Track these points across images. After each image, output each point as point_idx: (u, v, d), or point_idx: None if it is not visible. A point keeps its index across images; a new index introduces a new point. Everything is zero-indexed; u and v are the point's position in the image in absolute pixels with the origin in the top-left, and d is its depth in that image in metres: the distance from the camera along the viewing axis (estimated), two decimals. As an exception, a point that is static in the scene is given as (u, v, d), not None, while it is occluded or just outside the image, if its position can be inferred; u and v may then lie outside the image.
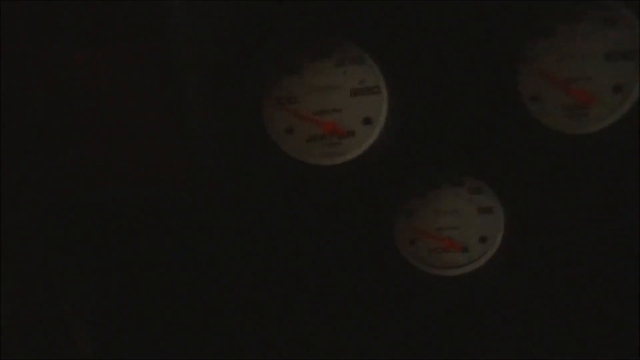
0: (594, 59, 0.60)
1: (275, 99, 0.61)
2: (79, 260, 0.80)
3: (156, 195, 0.77)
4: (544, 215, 0.65)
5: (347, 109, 0.62)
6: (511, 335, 0.69)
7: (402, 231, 0.66)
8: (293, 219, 0.63)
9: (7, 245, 0.75)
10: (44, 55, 0.71)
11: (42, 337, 0.77)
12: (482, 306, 0.68)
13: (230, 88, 0.60)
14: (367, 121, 0.62)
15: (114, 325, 0.82)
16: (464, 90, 0.61)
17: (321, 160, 0.63)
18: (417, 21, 0.59)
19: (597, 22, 0.59)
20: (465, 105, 0.61)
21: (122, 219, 0.77)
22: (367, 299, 0.66)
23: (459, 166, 0.64)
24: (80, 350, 0.80)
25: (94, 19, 0.71)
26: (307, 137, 0.63)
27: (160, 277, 0.81)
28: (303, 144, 0.63)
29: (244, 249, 0.65)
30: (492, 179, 0.64)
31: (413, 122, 0.62)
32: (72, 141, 0.74)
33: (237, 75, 0.59)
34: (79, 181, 0.75)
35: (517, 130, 0.61)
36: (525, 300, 0.68)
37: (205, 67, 0.59)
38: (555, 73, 0.60)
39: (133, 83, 0.70)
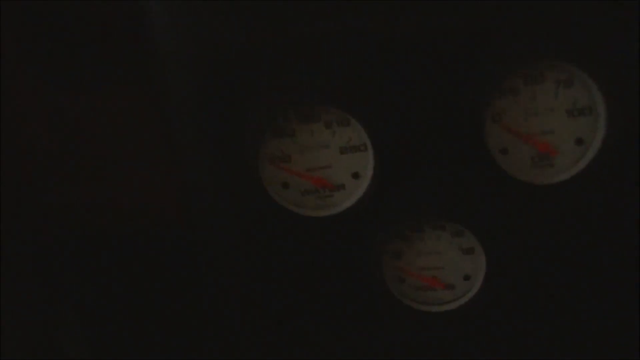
0: (556, 115, 0.67)
1: (271, 158, 0.69)
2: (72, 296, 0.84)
3: (148, 230, 0.82)
4: (521, 256, 0.72)
5: (337, 165, 0.70)
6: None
7: (391, 271, 0.74)
8: (289, 265, 0.72)
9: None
10: (41, 95, 0.77)
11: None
12: (468, 341, 0.75)
13: (229, 147, 0.68)
14: (356, 175, 0.70)
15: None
16: (440, 147, 0.68)
17: (316, 212, 0.71)
18: (394, 88, 0.67)
19: (557, 82, 0.67)
20: (442, 160, 0.69)
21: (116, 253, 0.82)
22: (360, 334, 0.74)
23: (439, 213, 0.71)
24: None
25: (89, 62, 0.77)
26: (302, 191, 0.71)
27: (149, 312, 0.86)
28: (298, 196, 0.71)
29: (239, 294, 0.73)
30: (470, 225, 0.72)
31: (397, 175, 0.70)
32: (67, 178, 0.80)
33: (235, 136, 0.68)
34: (72, 217, 0.81)
35: (489, 182, 0.69)
36: (510, 334, 0.75)
37: (206, 129, 0.68)
38: (521, 128, 0.67)
39: (128, 126, 0.76)
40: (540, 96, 0.67)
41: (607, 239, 0.70)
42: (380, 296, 0.74)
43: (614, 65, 0.66)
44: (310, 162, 0.70)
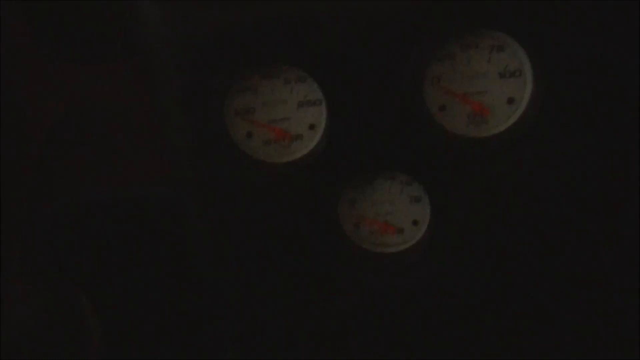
0: (489, 77, 0.78)
1: (236, 111, 0.81)
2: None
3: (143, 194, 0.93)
4: (462, 203, 0.83)
5: (295, 117, 0.82)
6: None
7: (347, 217, 0.85)
8: (253, 209, 0.83)
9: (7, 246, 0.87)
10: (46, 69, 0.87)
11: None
12: (416, 281, 0.86)
13: (198, 103, 0.80)
14: (312, 127, 0.82)
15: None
16: (386, 103, 0.80)
17: (276, 159, 0.83)
18: (346, 50, 0.78)
19: (490, 47, 0.77)
20: (389, 116, 0.80)
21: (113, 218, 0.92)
22: (318, 277, 0.86)
23: (389, 164, 0.83)
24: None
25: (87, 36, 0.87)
26: (264, 141, 0.83)
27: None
28: (261, 146, 0.83)
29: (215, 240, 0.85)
30: (418, 174, 0.83)
31: (349, 128, 0.81)
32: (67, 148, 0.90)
33: (203, 93, 0.80)
34: (72, 183, 0.90)
35: (430, 136, 0.80)
36: (453, 275, 0.86)
37: (177, 92, 0.80)
38: (457, 89, 0.78)
39: (121, 95, 0.87)
40: (474, 60, 0.78)
41: (539, 185, 0.81)
42: (337, 239, 0.85)
43: (540, 31, 0.76)
44: (271, 114, 0.82)
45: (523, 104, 0.78)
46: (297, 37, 0.79)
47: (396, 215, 0.86)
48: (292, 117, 0.82)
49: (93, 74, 0.88)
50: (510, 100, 0.79)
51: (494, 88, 0.78)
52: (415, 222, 0.86)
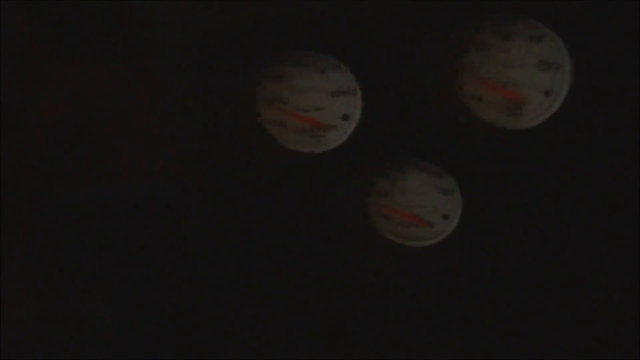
0: (526, 68, 0.78)
1: (268, 99, 0.81)
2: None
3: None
4: (496, 197, 0.83)
5: (328, 107, 0.81)
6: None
7: (376, 208, 0.85)
8: (286, 198, 0.83)
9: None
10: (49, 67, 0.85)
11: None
12: (445, 276, 0.86)
13: (227, 90, 0.80)
14: (345, 117, 0.82)
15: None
16: (421, 94, 0.79)
17: (309, 149, 0.83)
18: (381, 41, 0.78)
19: (527, 38, 0.77)
20: (423, 107, 0.80)
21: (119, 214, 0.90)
22: (346, 268, 0.85)
23: (421, 155, 0.82)
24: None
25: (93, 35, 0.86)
26: (297, 130, 0.82)
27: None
28: (293, 135, 0.82)
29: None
30: (450, 167, 0.82)
31: (383, 118, 0.81)
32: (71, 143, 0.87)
33: (233, 79, 0.79)
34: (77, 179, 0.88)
35: (465, 127, 0.80)
36: (484, 273, 0.86)
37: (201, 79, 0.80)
38: (493, 79, 0.78)
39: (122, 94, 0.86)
40: (512, 50, 0.77)
41: (572, 180, 0.81)
42: (364, 231, 0.85)
43: (580, 24, 0.76)
44: (305, 103, 0.81)
45: (560, 97, 0.78)
46: (331, 25, 0.79)
47: (427, 208, 0.85)
48: (325, 107, 0.82)
49: (94, 73, 0.87)
50: (547, 93, 0.78)
51: (530, 79, 0.78)
52: (445, 216, 0.85)
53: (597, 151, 0.82)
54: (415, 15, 0.78)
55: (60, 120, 0.87)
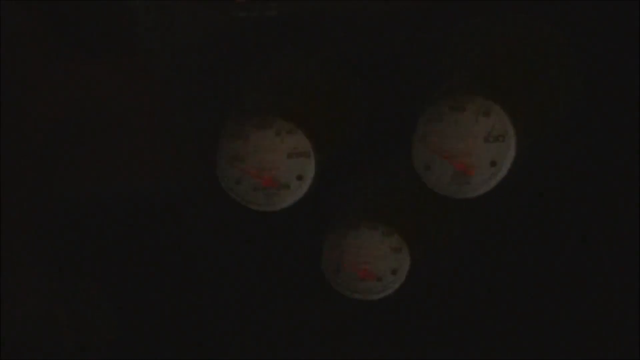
0: (474, 140, 0.81)
1: (227, 158, 0.84)
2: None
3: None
4: (442, 256, 0.87)
5: (283, 167, 0.85)
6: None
7: (328, 262, 0.89)
8: (239, 254, 0.87)
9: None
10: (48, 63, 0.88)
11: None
12: (393, 328, 0.90)
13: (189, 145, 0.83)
14: (300, 177, 0.85)
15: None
16: (374, 159, 0.83)
17: (263, 208, 0.86)
18: (337, 104, 0.81)
19: (476, 112, 0.81)
20: (376, 171, 0.83)
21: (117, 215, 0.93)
22: (298, 320, 0.89)
23: (371, 216, 0.86)
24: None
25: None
26: (252, 188, 0.85)
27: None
28: (249, 193, 0.86)
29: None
30: (399, 227, 0.86)
31: (335, 180, 0.84)
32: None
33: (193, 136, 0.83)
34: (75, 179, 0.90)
35: (415, 193, 0.84)
36: (431, 325, 0.90)
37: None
38: (443, 149, 0.82)
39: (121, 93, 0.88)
40: (461, 123, 0.81)
41: (517, 242, 0.85)
42: (318, 285, 0.88)
43: (524, 99, 0.80)
44: (261, 163, 0.84)
45: (505, 168, 0.82)
46: (288, 90, 0.82)
47: (376, 263, 0.89)
48: (281, 167, 0.85)
49: (93, 72, 0.89)
50: (493, 163, 0.82)
51: (478, 151, 0.82)
52: (394, 271, 0.89)
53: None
54: (370, 84, 0.81)
55: (60, 120, 0.90)
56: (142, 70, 0.89)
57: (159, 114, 0.88)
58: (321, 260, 0.89)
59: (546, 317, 0.91)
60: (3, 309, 0.87)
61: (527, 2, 0.85)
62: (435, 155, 0.82)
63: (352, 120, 0.82)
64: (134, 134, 0.92)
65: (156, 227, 0.98)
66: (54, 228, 0.95)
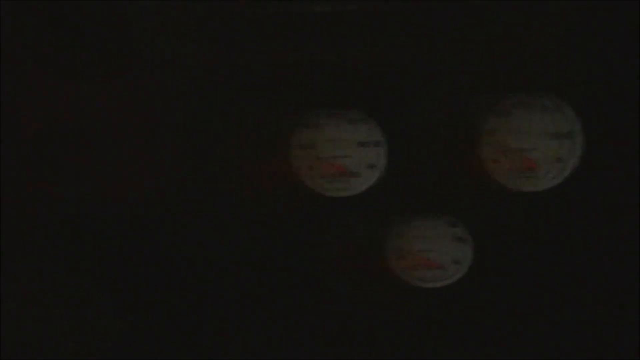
0: (541, 135, 0.84)
1: (299, 145, 0.88)
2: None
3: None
4: (507, 249, 0.90)
5: (355, 155, 0.88)
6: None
7: (392, 250, 0.92)
8: (306, 241, 0.90)
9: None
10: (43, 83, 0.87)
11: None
12: (453, 318, 0.93)
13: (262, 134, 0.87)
14: (371, 166, 0.88)
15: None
16: (441, 150, 0.86)
17: (334, 193, 0.89)
18: (411, 98, 0.85)
19: (543, 108, 0.84)
20: (445, 163, 0.87)
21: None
22: (360, 307, 0.92)
23: (439, 205, 0.89)
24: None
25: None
26: (322, 175, 0.89)
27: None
28: (319, 180, 0.89)
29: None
30: (464, 218, 0.89)
31: (406, 169, 0.88)
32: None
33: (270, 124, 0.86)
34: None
35: (482, 185, 0.87)
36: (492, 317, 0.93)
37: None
38: (510, 144, 0.85)
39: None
40: (528, 119, 0.84)
41: (582, 239, 0.88)
42: (381, 271, 0.92)
43: (592, 95, 0.83)
44: (333, 151, 0.88)
45: (571, 164, 0.85)
46: (362, 80, 0.86)
47: (439, 253, 0.92)
48: (352, 155, 0.89)
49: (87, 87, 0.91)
50: (559, 160, 0.85)
51: (544, 146, 0.85)
52: (456, 261, 0.92)
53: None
54: (442, 75, 0.85)
55: (54, 126, 0.90)
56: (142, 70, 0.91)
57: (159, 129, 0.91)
58: (384, 248, 0.92)
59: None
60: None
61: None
62: (503, 149, 0.86)
63: (422, 116, 0.86)
64: (131, 140, 0.93)
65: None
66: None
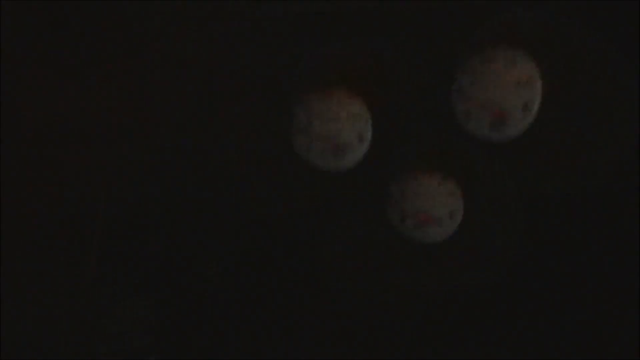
0: (506, 86, 0.94)
1: (298, 128, 0.98)
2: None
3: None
4: (493, 194, 0.98)
5: (345, 127, 0.98)
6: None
7: (393, 212, 1.01)
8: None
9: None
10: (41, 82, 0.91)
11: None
12: (452, 268, 1.01)
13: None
14: (360, 138, 0.98)
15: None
16: (420, 114, 0.96)
17: (332, 166, 0.99)
18: (393, 73, 0.95)
19: (506, 61, 0.93)
20: (422, 125, 0.96)
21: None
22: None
23: (429, 165, 0.98)
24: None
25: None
26: (320, 151, 0.99)
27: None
28: (318, 155, 0.99)
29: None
30: (451, 169, 0.98)
31: (391, 138, 0.97)
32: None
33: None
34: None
35: (458, 139, 0.96)
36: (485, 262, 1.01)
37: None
38: (478, 98, 0.94)
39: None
40: (493, 71, 0.93)
41: (551, 180, 0.96)
42: (386, 231, 1.00)
43: (551, 46, 0.91)
44: (327, 129, 0.98)
45: (536, 108, 0.93)
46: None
47: (436, 208, 1.00)
48: (343, 129, 0.98)
49: (84, 83, 0.94)
50: (525, 106, 0.94)
51: (510, 96, 0.94)
52: (451, 214, 1.00)
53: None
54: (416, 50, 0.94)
55: (62, 120, 0.95)
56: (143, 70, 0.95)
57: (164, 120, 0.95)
58: (386, 212, 1.01)
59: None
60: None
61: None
62: (472, 104, 0.95)
63: (402, 85, 0.95)
64: (133, 137, 0.96)
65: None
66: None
